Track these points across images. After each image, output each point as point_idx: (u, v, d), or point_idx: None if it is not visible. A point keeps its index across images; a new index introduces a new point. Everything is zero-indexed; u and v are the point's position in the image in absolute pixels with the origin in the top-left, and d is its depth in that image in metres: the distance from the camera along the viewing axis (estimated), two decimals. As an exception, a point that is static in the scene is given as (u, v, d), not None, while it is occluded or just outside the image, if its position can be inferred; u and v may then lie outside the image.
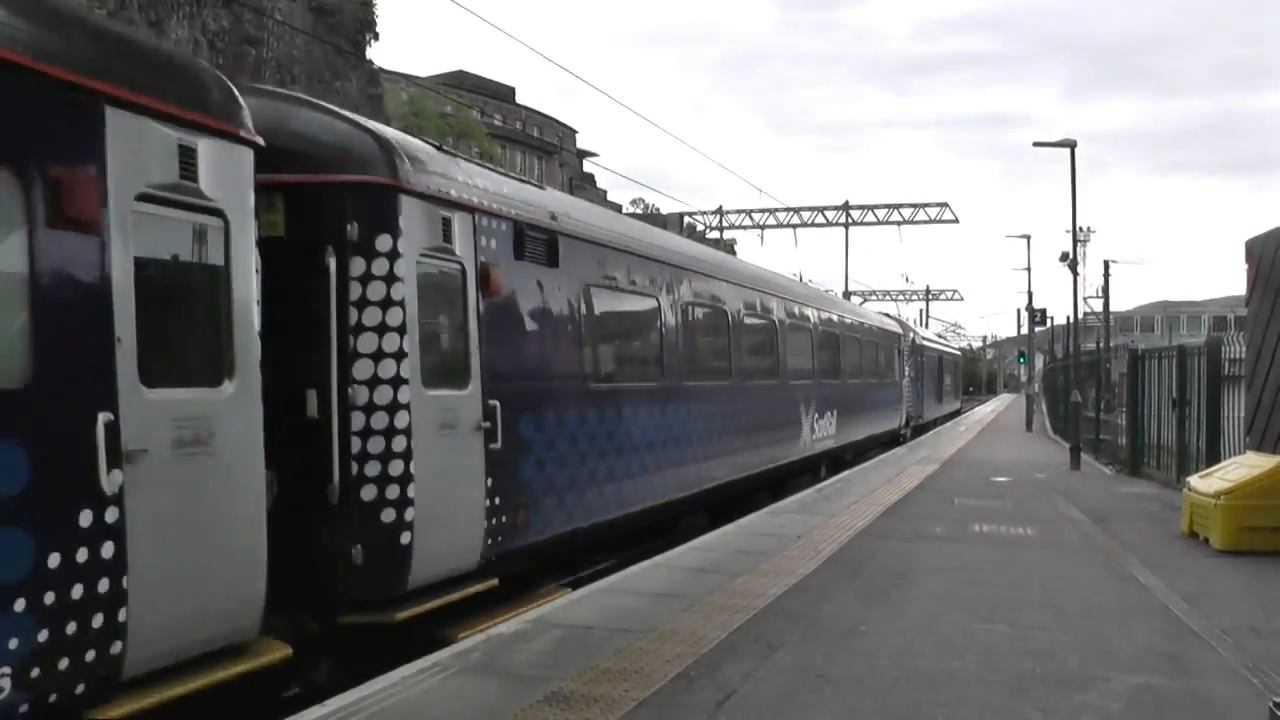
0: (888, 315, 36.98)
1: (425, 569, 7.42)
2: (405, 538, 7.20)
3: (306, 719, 5.16)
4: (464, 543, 7.96)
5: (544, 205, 9.73)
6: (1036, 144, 26.49)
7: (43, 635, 4.63)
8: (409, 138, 8.43)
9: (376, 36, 32.90)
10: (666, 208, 64.05)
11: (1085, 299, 59.08)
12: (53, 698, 4.72)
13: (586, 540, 10.17)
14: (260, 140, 6.16)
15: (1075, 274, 28.16)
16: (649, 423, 11.60)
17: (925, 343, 42.02)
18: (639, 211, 61.08)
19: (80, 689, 4.88)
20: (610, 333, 11.37)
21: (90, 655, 4.88)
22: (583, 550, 10.43)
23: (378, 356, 7.16)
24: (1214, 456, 14.25)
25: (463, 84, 63.95)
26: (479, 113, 57.95)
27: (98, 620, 4.90)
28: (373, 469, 7.09)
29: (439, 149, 8.50)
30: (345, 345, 7.07)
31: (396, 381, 7.20)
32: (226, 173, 5.86)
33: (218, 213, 5.79)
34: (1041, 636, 6.92)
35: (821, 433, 20.15)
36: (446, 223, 7.89)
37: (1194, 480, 12.04)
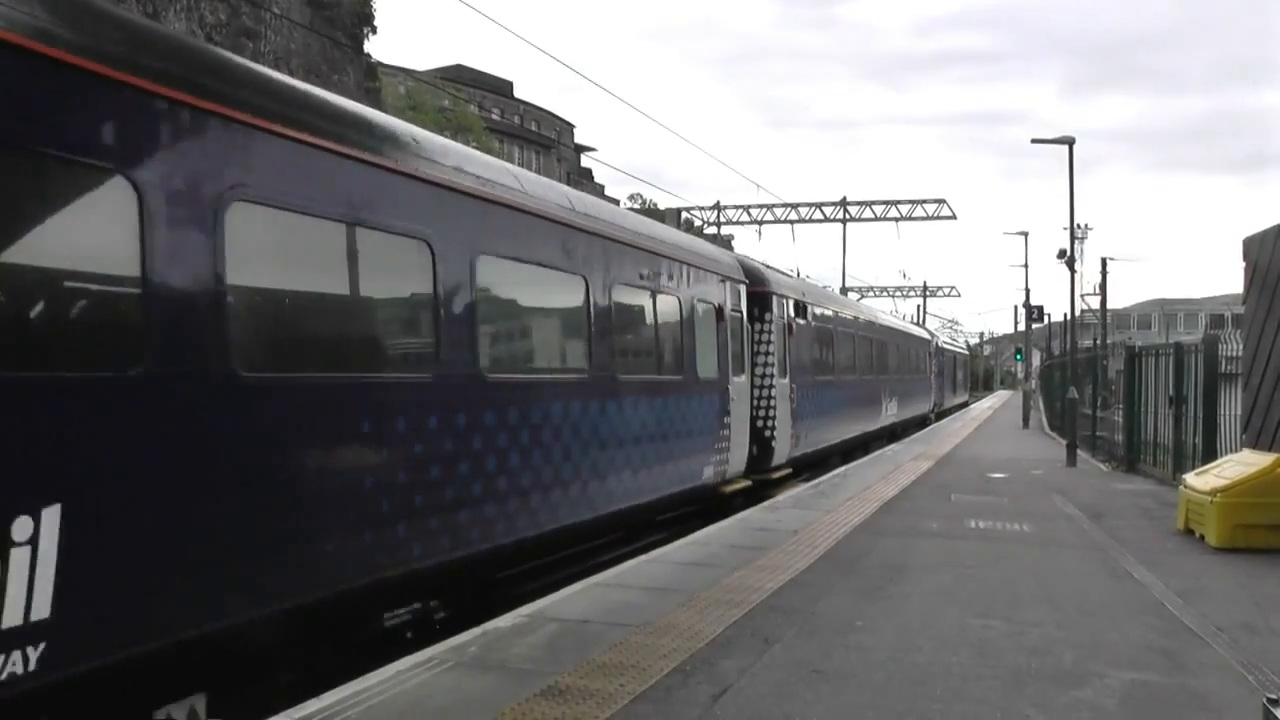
0: (920, 325, 52.77)
1: (775, 460, 16.87)
2: (772, 444, 16.67)
3: (304, 711, 5.16)
4: (785, 450, 17.39)
5: (801, 288, 20.72)
6: (1035, 140, 26.56)
7: (719, 457, 13.97)
8: (772, 268, 19.66)
9: (374, 30, 32.90)
10: (664, 203, 63.95)
11: (1082, 296, 59.10)
12: (715, 479, 13.89)
13: (808, 462, 19.41)
14: (748, 281, 16.11)
15: (1072, 271, 28.13)
16: (830, 398, 21.33)
17: (945, 346, 53.14)
18: (637, 206, 61.02)
19: (721, 479, 14.18)
20: (822, 349, 21.09)
21: (722, 469, 14.17)
22: (807, 466, 19.35)
23: (764, 364, 16.69)
24: (1210, 454, 14.28)
25: (461, 78, 63.83)
26: (477, 107, 57.88)
27: (724, 456, 14.20)
28: (761, 412, 16.46)
29: (769, 268, 19.08)
30: (753, 359, 16.39)
31: (771, 375, 16.77)
32: (743, 297, 15.65)
33: (741, 313, 15.53)
34: (1037, 632, 6.93)
35: (889, 412, 30.07)
36: (782, 304, 17.66)
37: (1190, 477, 12.05)
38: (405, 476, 7.21)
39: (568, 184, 30.21)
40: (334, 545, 6.52)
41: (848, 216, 48.01)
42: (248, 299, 6.14)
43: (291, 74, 26.50)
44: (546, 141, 72.02)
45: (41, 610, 4.63)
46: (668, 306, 12.57)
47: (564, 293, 10.01)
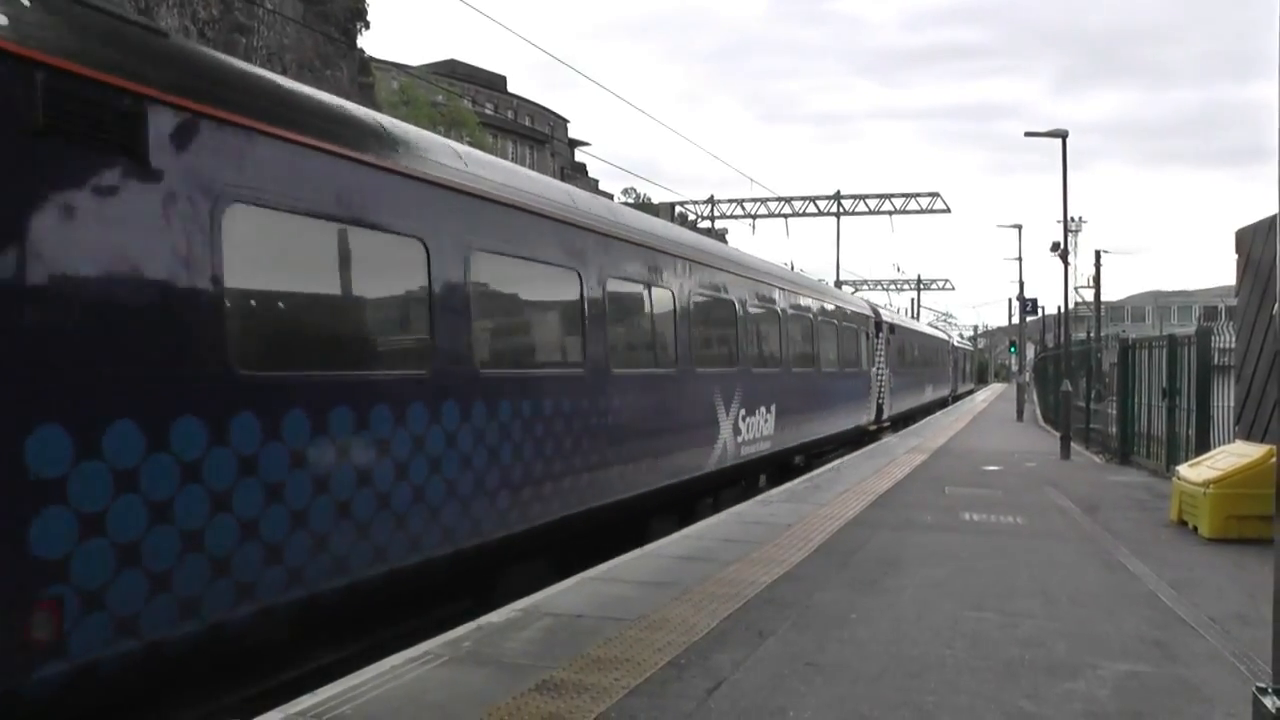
0: (936, 327, 66.10)
1: (883, 417, 28.28)
2: (882, 407, 28.16)
3: (299, 706, 5.16)
4: (887, 412, 28.92)
5: (891, 315, 34.73)
6: (1028, 134, 26.51)
7: (866, 413, 26.05)
8: (876, 303, 33.59)
9: (367, 25, 32.86)
10: (658, 197, 63.91)
11: (1076, 289, 59.20)
12: (864, 424, 25.83)
13: (892, 420, 30.02)
14: (873, 314, 28.25)
15: (1066, 264, 28.21)
16: (904, 381, 33.37)
17: (957, 344, 68.15)
18: (631, 201, 60.93)
19: (865, 424, 26.08)
20: (899, 352, 32.31)
21: (866, 418, 26.06)
22: (897, 422, 31.29)
23: (878, 361, 27.72)
24: (1203, 445, 14.31)
25: (454, 73, 63.67)
26: (470, 102, 57.78)
27: (868, 411, 26.32)
28: (877, 388, 27.35)
29: (868, 302, 30.24)
30: (873, 358, 27.16)
31: (882, 366, 28.30)
32: (870, 322, 27.17)
33: (871, 331, 26.99)
34: (1030, 624, 6.95)
35: (928, 393, 43.27)
36: (886, 328, 29.45)
37: (1183, 469, 12.08)
38: (811, 403, 19.74)
39: (560, 178, 32.76)
40: (803, 425, 18.95)
41: (842, 210, 48.06)
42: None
43: (285, 70, 26.44)
44: (541, 136, 71.91)
45: None
46: (856, 333, 24.80)
47: (832, 333, 21.82)
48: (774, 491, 14.54)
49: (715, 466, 13.77)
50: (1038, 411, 40.10)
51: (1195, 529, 10.96)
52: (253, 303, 6.22)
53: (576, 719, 4.98)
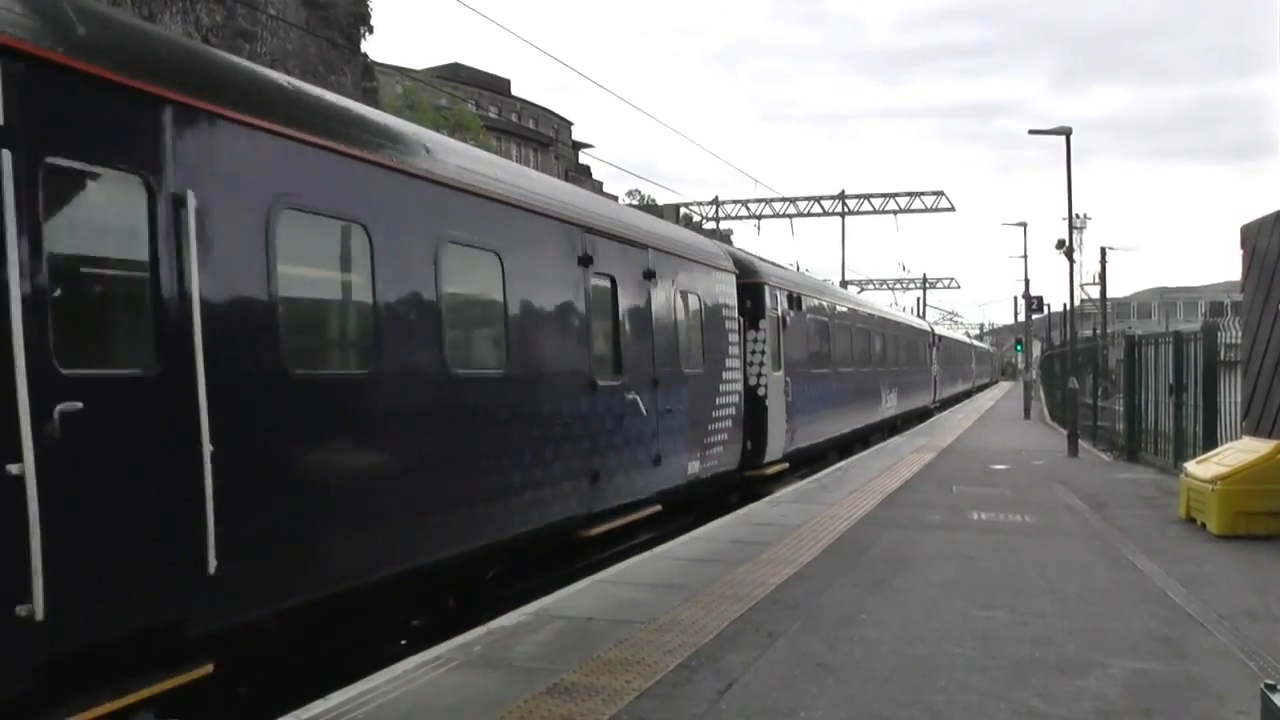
0: (989, 342, 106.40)
1: (975, 384, 68.45)
2: (973, 380, 68.19)
3: (311, 712, 5.19)
4: (977, 382, 72.34)
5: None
6: (1032, 131, 26.51)
7: (972, 381, 66.00)
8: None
9: (371, 30, 32.88)
10: (662, 199, 63.96)
11: (1082, 285, 58.98)
12: (971, 387, 63.44)
13: (981, 386, 72.84)
14: (973, 344, 73.58)
15: (1071, 261, 28.23)
16: (978, 370, 73.21)
17: (987, 349, 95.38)
18: (635, 202, 60.98)
19: (972, 386, 64.22)
20: (978, 358, 72.55)
21: (971, 384, 64.72)
22: (982, 387, 73.41)
23: (975, 364, 67.12)
24: (1211, 442, 14.29)
25: (457, 76, 63.76)
26: (474, 105, 57.87)
27: (971, 381, 66.02)
28: (975, 373, 70.59)
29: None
30: (977, 361, 68.56)
31: (974, 366, 66.48)
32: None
33: (975, 357, 67.52)
34: (1040, 623, 6.96)
35: (986, 376, 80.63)
36: (971, 348, 66.72)
37: (1191, 466, 12.07)
38: (964, 374, 58.73)
39: (564, 179, 31.59)
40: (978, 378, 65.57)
41: (846, 210, 48.02)
42: None
43: (288, 75, 26.48)
44: (545, 139, 71.99)
45: None
46: (980, 355, 59.19)
47: (973, 354, 67.79)
48: (783, 492, 14.56)
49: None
50: (1044, 409, 40.05)
51: (1204, 525, 10.95)
52: None
53: (588, 721, 5.00)
